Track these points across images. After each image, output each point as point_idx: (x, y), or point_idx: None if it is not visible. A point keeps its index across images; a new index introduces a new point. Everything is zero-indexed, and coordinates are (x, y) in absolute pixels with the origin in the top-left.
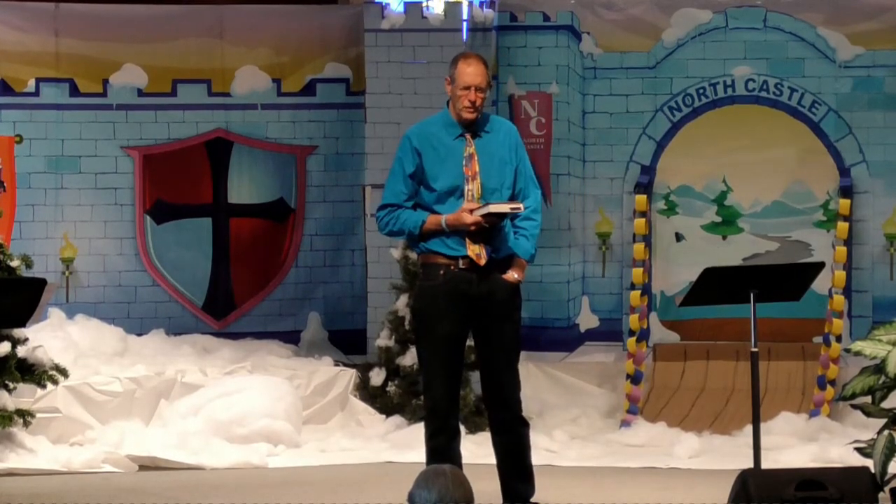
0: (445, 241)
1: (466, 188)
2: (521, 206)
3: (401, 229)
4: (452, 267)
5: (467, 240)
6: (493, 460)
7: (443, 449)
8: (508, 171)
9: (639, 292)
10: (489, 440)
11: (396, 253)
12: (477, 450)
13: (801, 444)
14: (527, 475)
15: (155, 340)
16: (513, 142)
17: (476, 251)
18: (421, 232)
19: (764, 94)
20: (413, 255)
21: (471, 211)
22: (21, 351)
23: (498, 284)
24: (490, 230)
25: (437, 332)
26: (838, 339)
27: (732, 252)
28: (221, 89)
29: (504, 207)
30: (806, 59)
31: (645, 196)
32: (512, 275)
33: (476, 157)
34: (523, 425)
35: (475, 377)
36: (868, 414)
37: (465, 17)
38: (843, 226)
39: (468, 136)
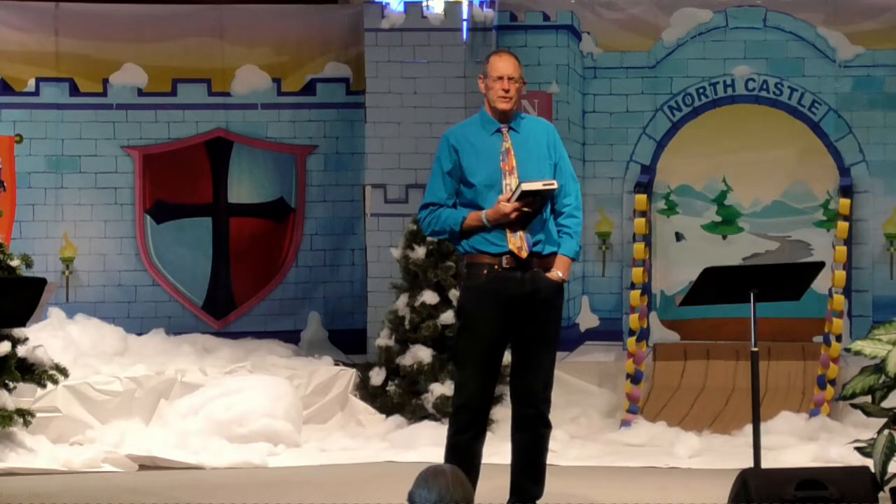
0: (487, 237)
1: (504, 183)
2: (553, 182)
3: (442, 228)
4: (496, 266)
5: (507, 231)
6: (497, 460)
7: (464, 446)
8: (547, 167)
9: (639, 292)
10: (493, 440)
11: (396, 253)
12: None
13: (801, 443)
14: (538, 476)
15: (155, 340)
16: (551, 139)
17: (517, 244)
18: (462, 229)
19: (764, 93)
20: (413, 255)
21: (508, 200)
22: (21, 350)
23: (542, 283)
24: (531, 217)
25: (478, 333)
26: (838, 338)
27: (732, 252)
28: (221, 89)
29: (537, 185)
30: (806, 59)
31: (645, 196)
32: (556, 273)
33: (513, 152)
34: (546, 426)
35: None
36: (868, 413)
37: (465, 16)
38: (843, 225)
39: (504, 131)
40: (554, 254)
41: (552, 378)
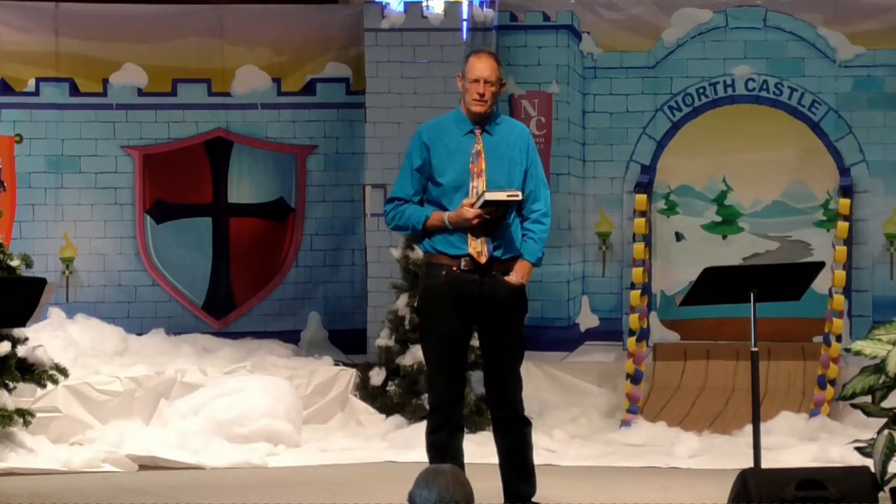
0: (449, 238)
1: (471, 185)
2: (518, 193)
3: (405, 224)
4: (455, 268)
5: (469, 236)
6: (493, 460)
7: (442, 444)
8: (517, 172)
9: (639, 292)
10: (490, 440)
11: (396, 253)
12: (477, 449)
13: (801, 444)
14: (528, 474)
15: (155, 340)
16: (524, 143)
17: (477, 248)
18: (424, 228)
19: (764, 93)
20: (413, 255)
21: (472, 205)
22: (21, 350)
23: (500, 286)
24: (494, 224)
25: (438, 332)
26: (838, 338)
27: (732, 252)
28: (221, 89)
29: (500, 195)
30: (806, 59)
31: (645, 196)
32: (514, 276)
33: (483, 155)
34: (525, 424)
35: (476, 376)
36: (868, 414)
37: (465, 16)
38: (843, 225)
39: (478, 133)
40: (515, 258)
41: (520, 377)
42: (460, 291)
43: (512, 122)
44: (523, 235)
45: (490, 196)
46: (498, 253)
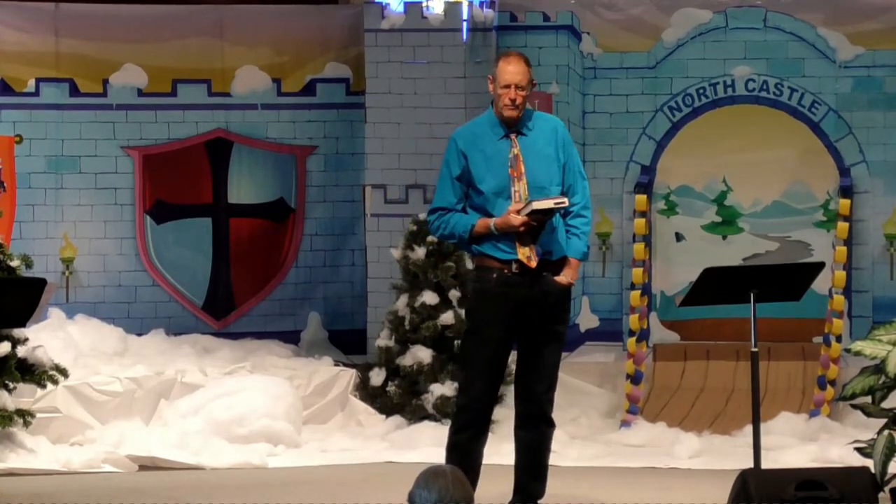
0: (497, 244)
1: (513, 189)
2: (564, 199)
3: (451, 233)
4: (506, 271)
5: (517, 242)
6: (498, 461)
7: (464, 445)
8: (556, 169)
9: (639, 292)
10: (494, 440)
11: (396, 253)
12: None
13: (801, 444)
14: (541, 475)
15: (155, 340)
16: (560, 138)
17: (526, 254)
18: (471, 236)
19: (764, 94)
20: (413, 256)
21: (517, 212)
22: (21, 351)
23: (550, 287)
24: (540, 229)
25: (485, 335)
26: (838, 339)
27: (732, 252)
28: (221, 89)
29: (548, 203)
30: (806, 59)
31: (645, 196)
32: (564, 277)
33: (521, 158)
34: (549, 425)
35: None
36: (868, 414)
37: (465, 17)
38: (843, 226)
39: (513, 136)
40: (563, 258)
41: (556, 379)
42: (511, 295)
43: (545, 118)
44: (567, 231)
45: (538, 205)
46: (546, 256)
